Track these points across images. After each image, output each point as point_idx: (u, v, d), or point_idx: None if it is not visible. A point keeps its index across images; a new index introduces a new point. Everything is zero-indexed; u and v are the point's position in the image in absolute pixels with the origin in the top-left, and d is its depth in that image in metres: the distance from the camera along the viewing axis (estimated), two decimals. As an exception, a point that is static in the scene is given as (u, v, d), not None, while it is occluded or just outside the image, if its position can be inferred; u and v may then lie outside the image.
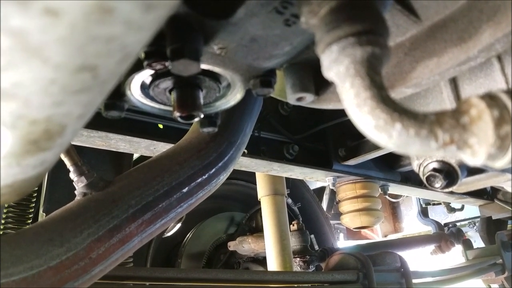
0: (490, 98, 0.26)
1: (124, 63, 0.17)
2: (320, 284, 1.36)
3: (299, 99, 0.56)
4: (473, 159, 0.27)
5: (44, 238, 0.58)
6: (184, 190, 0.79)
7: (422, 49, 0.46)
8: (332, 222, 2.75)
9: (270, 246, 1.49)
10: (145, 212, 0.70)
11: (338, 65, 0.28)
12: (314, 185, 2.85)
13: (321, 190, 2.86)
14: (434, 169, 0.64)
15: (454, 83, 0.61)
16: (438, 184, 0.65)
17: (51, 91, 0.17)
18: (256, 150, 1.31)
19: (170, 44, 0.38)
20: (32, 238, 0.58)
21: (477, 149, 0.26)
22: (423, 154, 0.26)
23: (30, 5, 0.12)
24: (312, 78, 0.55)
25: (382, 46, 0.28)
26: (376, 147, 1.34)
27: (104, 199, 0.69)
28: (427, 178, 0.66)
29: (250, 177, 1.95)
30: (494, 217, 2.41)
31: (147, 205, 0.71)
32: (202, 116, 0.50)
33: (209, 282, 1.12)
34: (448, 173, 0.64)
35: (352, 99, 0.27)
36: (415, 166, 0.70)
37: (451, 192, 1.77)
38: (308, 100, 0.56)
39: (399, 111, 0.26)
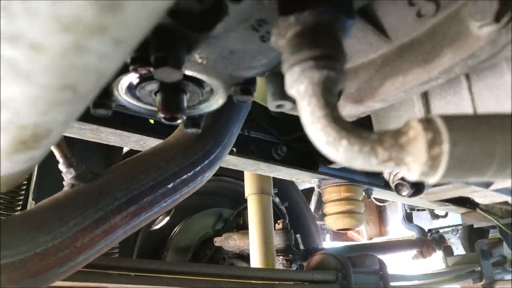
0: (427, 122, 0.30)
1: (101, 82, 0.21)
2: (301, 283, 1.40)
3: (279, 106, 0.60)
4: (409, 174, 0.30)
5: (31, 225, 0.61)
6: (169, 186, 0.82)
7: (391, 67, 0.50)
8: (319, 222, 2.80)
9: (254, 244, 1.52)
10: (130, 205, 0.73)
11: (299, 85, 0.32)
12: (303, 185, 2.89)
13: (309, 191, 2.90)
14: (402, 178, 0.68)
15: (425, 98, 0.65)
16: (405, 192, 0.69)
17: (37, 104, 0.20)
18: (245, 149, 1.34)
19: (154, 53, 0.41)
20: (20, 225, 0.61)
21: (412, 166, 0.30)
22: (368, 168, 0.29)
23: (19, 41, 0.15)
24: (292, 87, 0.59)
25: (337, 70, 0.32)
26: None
27: (91, 191, 0.72)
28: (396, 186, 0.69)
29: (239, 174, 1.98)
30: (475, 226, 2.47)
31: (132, 198, 0.74)
32: (185, 118, 0.54)
33: (191, 276, 1.15)
34: (415, 183, 0.68)
35: (308, 116, 0.31)
36: (386, 174, 0.74)
37: (435, 201, 1.82)
38: (287, 107, 0.60)
39: (347, 129, 0.30)
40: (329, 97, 0.31)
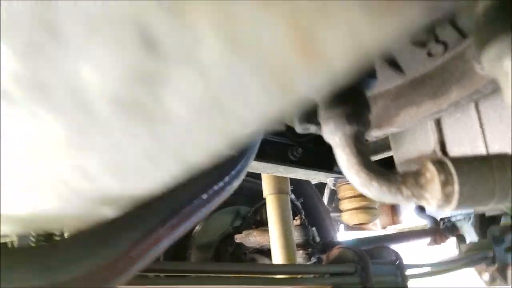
0: (440, 165, 0.38)
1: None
2: (322, 275, 1.49)
3: (305, 129, 0.68)
4: (429, 206, 0.39)
5: (94, 241, 0.70)
6: (204, 197, 0.90)
7: (406, 98, 0.58)
8: (333, 214, 2.87)
9: (275, 242, 1.61)
10: (173, 217, 0.82)
11: (334, 136, 0.40)
12: (316, 180, 2.94)
13: (322, 185, 2.97)
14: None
15: (437, 116, 0.73)
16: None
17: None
18: (262, 152, 1.41)
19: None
20: (84, 241, 0.70)
21: (431, 201, 0.38)
22: (394, 203, 0.37)
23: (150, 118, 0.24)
24: (316, 112, 0.67)
25: (365, 124, 0.39)
26: (374, 152, 1.45)
27: (138, 206, 0.81)
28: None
29: (253, 173, 2.05)
30: (487, 214, 2.52)
31: (173, 211, 0.83)
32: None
33: (217, 274, 1.24)
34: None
35: (345, 162, 0.39)
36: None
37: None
38: (312, 130, 0.68)
39: (376, 173, 0.37)
40: (360, 145, 0.38)
